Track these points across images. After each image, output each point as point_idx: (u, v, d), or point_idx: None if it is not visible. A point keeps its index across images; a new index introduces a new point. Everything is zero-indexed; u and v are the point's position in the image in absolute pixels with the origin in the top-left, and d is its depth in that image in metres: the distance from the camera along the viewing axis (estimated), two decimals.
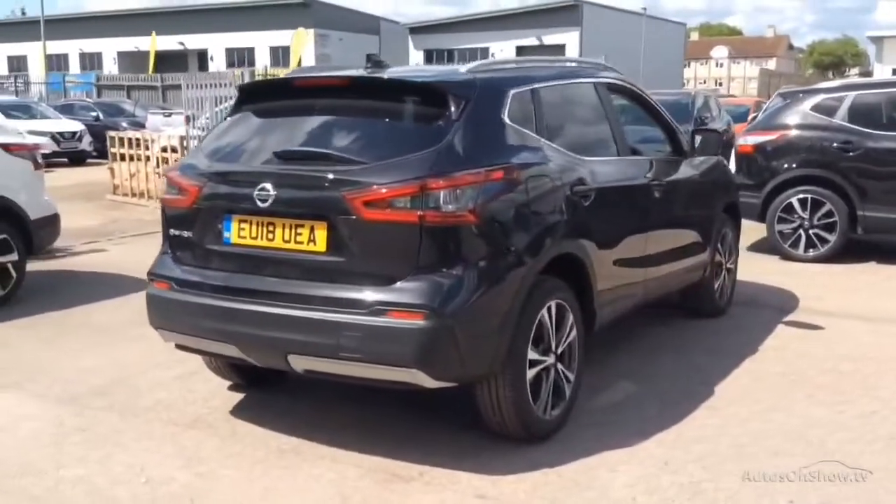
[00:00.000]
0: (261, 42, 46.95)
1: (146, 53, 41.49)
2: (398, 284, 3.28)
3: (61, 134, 19.54)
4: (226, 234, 3.62)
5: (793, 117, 8.22)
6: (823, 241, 7.92)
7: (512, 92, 3.81)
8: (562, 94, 4.33)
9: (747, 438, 3.82)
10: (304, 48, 32.94)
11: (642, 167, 4.73)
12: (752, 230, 8.62)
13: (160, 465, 3.56)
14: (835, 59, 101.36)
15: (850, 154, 7.77)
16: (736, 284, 6.27)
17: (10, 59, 55.97)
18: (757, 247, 8.64)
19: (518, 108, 3.84)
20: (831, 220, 7.86)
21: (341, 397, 4.23)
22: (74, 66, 53.62)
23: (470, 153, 3.46)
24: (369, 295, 3.29)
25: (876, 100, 7.97)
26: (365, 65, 3.99)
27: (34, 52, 45.38)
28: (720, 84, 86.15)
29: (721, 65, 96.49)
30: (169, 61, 45.08)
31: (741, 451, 3.68)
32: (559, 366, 3.84)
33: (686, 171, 5.28)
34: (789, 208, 8.04)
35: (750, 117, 14.83)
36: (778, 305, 6.29)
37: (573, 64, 4.78)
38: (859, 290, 6.88)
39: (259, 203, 3.46)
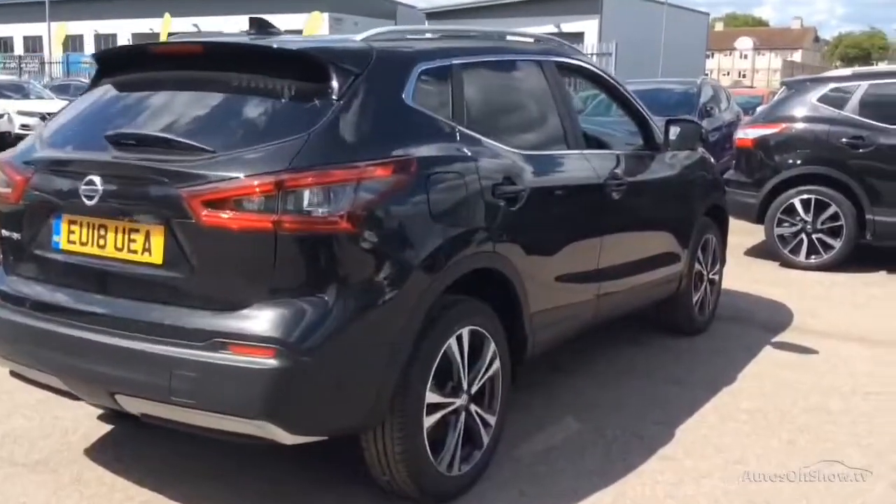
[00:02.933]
0: (277, 25, 46.23)
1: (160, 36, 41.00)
2: (244, 311, 2.58)
3: (50, 114, 18.90)
4: (55, 238, 2.92)
5: (798, 109, 7.41)
6: (827, 247, 7.13)
7: (420, 68, 3.09)
8: (492, 73, 3.60)
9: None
10: (318, 32, 32.32)
11: (600, 163, 3.97)
12: (753, 232, 7.86)
13: None
14: (861, 52, 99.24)
15: (861, 151, 6.96)
16: (721, 295, 5.53)
17: (25, 38, 55.83)
18: (755, 251, 7.87)
19: (428, 88, 3.12)
20: (837, 223, 7.06)
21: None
22: (90, 47, 53.32)
23: (352, 142, 2.75)
24: (207, 323, 2.59)
25: (891, 91, 7.16)
26: (248, 30, 3.29)
27: (52, 33, 45.23)
28: (744, 76, 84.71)
29: (745, 56, 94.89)
30: None
31: None
32: (474, 408, 3.13)
33: (658, 167, 4.53)
34: (791, 210, 7.26)
35: (759, 109, 13.99)
36: (767, 322, 5.53)
37: (514, 39, 4.02)
38: (863, 306, 6.10)
39: (85, 200, 2.77)
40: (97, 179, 2.75)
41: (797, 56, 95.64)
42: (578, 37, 45.03)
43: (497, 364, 3.24)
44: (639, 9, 49.09)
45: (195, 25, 49.95)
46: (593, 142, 4.37)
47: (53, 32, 40.56)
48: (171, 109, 2.95)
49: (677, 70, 34.65)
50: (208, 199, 2.56)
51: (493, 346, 3.20)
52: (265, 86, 2.87)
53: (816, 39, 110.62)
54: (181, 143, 2.71)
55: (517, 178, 3.31)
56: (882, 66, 15.31)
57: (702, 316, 5.21)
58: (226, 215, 2.55)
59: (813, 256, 7.20)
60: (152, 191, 2.69)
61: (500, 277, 3.23)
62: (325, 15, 39.54)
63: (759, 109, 8.79)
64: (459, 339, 3.02)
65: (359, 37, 3.10)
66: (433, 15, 50.91)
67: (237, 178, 2.56)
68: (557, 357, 4.30)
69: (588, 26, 46.12)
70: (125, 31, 52.58)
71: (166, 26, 38.60)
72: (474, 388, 3.13)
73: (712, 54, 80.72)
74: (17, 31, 55.89)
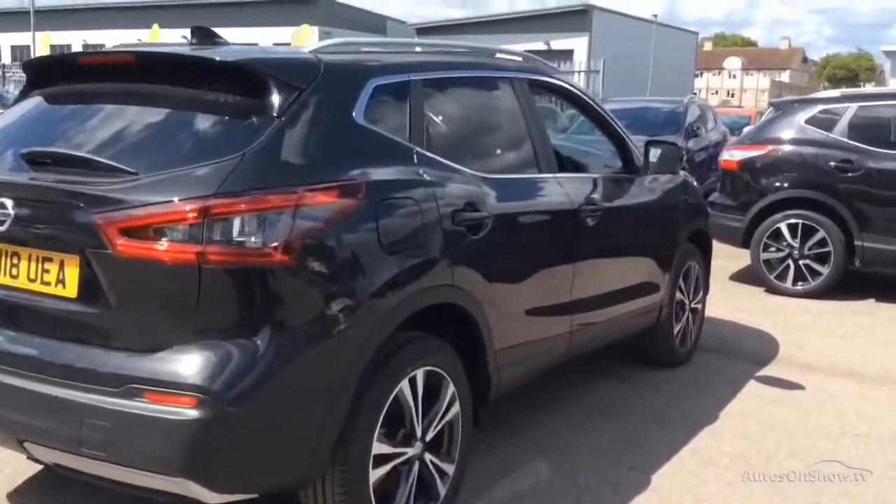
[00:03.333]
0: (266, 38, 46.02)
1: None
2: (164, 354, 2.30)
3: None
4: None
5: (785, 130, 7.20)
6: (815, 273, 6.89)
7: (374, 83, 2.83)
8: (456, 91, 3.34)
9: None
10: (306, 45, 31.98)
11: (574, 187, 3.72)
12: (738, 256, 7.64)
13: None
14: (849, 73, 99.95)
15: (850, 175, 6.74)
16: (705, 324, 5.28)
17: (13, 48, 55.43)
18: (740, 276, 7.64)
19: (382, 105, 2.87)
20: (825, 249, 6.83)
21: None
22: None
23: (292, 164, 2.49)
24: (122, 366, 2.31)
25: (881, 113, 6.94)
26: (190, 39, 3.03)
27: (37, 43, 44.84)
28: (732, 95, 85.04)
29: (734, 76, 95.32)
30: None
31: None
32: (429, 457, 2.86)
33: (637, 192, 4.28)
34: (777, 234, 7.03)
35: (746, 129, 13.83)
36: (752, 354, 5.28)
37: (482, 54, 3.76)
38: (851, 336, 5.86)
39: None
40: (8, 203, 2.47)
41: (785, 76, 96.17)
42: (568, 54, 44.97)
43: (456, 407, 2.97)
44: (628, 27, 49.19)
45: (184, 37, 49.62)
46: (568, 164, 4.14)
47: (38, 41, 40.22)
48: (97, 125, 2.67)
49: (666, 89, 34.64)
50: (125, 226, 2.29)
51: (451, 388, 2.93)
52: (200, 100, 2.60)
53: (804, 60, 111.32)
54: (101, 164, 2.43)
55: (481, 204, 3.05)
56: (871, 88, 15.17)
57: (683, 347, 4.96)
58: (144, 245, 2.28)
59: (800, 283, 6.96)
60: (67, 216, 2.41)
61: (461, 312, 2.97)
62: (315, 29, 39.38)
63: (745, 130, 8.57)
64: (413, 381, 2.75)
65: (307, 48, 2.84)
66: (423, 30, 50.80)
67: (158, 203, 2.29)
68: (528, 392, 4.03)
69: (577, 44, 46.11)
70: (113, 40, 52.21)
71: (154, 37, 38.35)
72: (430, 435, 2.85)
73: (701, 73, 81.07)
74: (4, 41, 55.51)
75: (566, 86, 4.03)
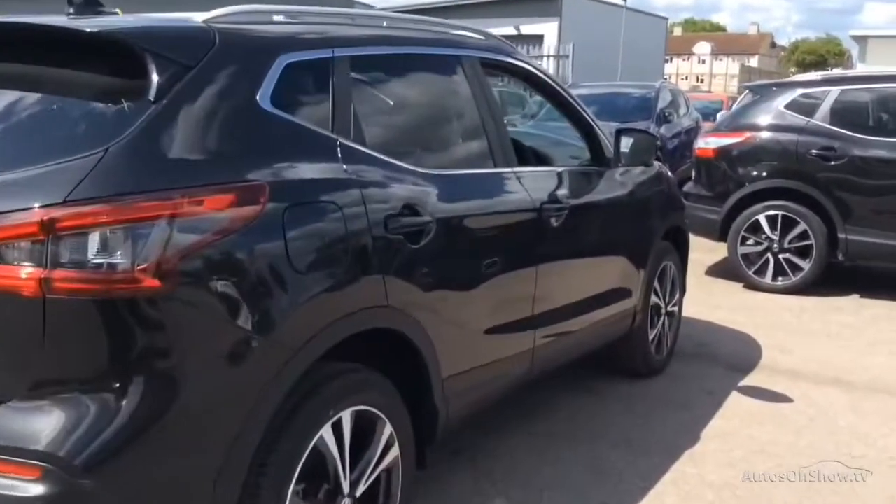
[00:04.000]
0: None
1: None
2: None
3: None
4: None
5: (763, 116, 6.77)
6: (796, 268, 6.49)
7: (285, 60, 2.31)
8: (394, 70, 2.83)
9: None
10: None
11: (535, 183, 3.23)
12: (714, 249, 7.22)
13: None
14: (817, 58, 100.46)
15: (832, 163, 6.33)
16: (681, 325, 4.84)
17: None
18: (717, 270, 7.22)
19: (297, 87, 2.36)
20: (806, 242, 6.43)
21: None
22: None
23: (171, 161, 1.97)
24: None
25: (864, 97, 6.53)
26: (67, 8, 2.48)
27: None
28: (702, 81, 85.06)
29: (703, 61, 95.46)
30: None
31: None
32: None
33: (606, 186, 3.81)
34: (756, 227, 6.61)
35: (719, 115, 13.45)
36: (732, 359, 4.85)
37: (428, 28, 3.16)
38: (836, 336, 5.45)
39: None
40: None
41: (754, 61, 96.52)
42: (538, 39, 44.55)
43: (395, 451, 2.48)
44: (599, 12, 48.74)
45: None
46: (530, 156, 3.66)
47: None
48: None
49: (636, 74, 34.29)
50: None
51: (388, 429, 2.45)
52: (62, 83, 2.09)
53: (773, 45, 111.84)
54: None
55: (422, 207, 2.55)
56: (855, 71, 14.77)
57: (659, 355, 4.51)
58: None
59: (780, 278, 6.55)
60: None
61: (399, 337, 2.47)
62: None
63: (719, 116, 8.15)
64: (337, 426, 2.25)
65: (201, 16, 2.31)
66: None
67: None
68: (485, 415, 3.55)
69: (548, 28, 45.57)
70: None
71: None
72: (361, 489, 2.36)
73: (671, 59, 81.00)
74: None
75: (526, 66, 3.52)
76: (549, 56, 21.22)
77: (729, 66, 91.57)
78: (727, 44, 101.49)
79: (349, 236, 2.26)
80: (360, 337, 2.32)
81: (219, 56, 2.14)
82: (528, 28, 46.22)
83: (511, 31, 46.39)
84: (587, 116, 3.79)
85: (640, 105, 11.12)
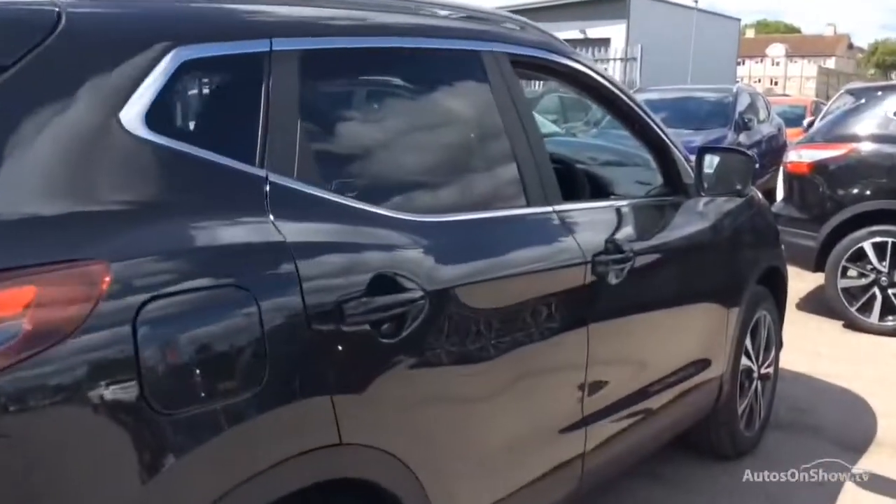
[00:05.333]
0: None
1: None
2: None
3: None
4: None
5: (868, 125, 5.72)
6: None
7: (180, 56, 1.48)
8: (370, 72, 1.98)
9: None
10: None
11: (587, 226, 2.35)
12: (805, 276, 6.17)
13: None
14: None
15: None
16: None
17: None
18: (811, 303, 6.16)
19: (199, 99, 1.55)
20: None
21: None
22: None
23: None
24: None
25: None
26: None
27: None
28: (776, 83, 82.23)
29: (777, 63, 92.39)
30: None
31: None
32: None
33: (686, 222, 2.90)
34: (860, 256, 5.55)
35: (806, 122, 12.23)
36: (841, 431, 3.88)
37: (432, 10, 2.21)
38: None
39: None
40: None
41: (830, 63, 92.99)
42: (605, 42, 43.34)
43: None
44: (668, 14, 47.27)
45: None
46: (582, 183, 2.77)
47: None
48: None
49: (707, 77, 32.90)
50: None
51: None
52: None
53: (850, 46, 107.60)
54: None
55: (409, 276, 1.69)
56: None
57: (749, 431, 3.56)
58: None
59: (890, 318, 5.49)
60: None
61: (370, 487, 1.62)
62: None
63: (816, 124, 7.10)
64: None
65: None
66: None
67: None
68: None
69: (615, 31, 44.28)
70: None
71: None
72: None
73: (743, 61, 78.55)
74: None
75: (577, 66, 2.60)
76: (616, 59, 20.13)
77: (804, 69, 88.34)
78: (802, 45, 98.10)
79: (265, 342, 1.41)
80: (302, 497, 1.47)
81: (58, 49, 1.33)
82: (595, 31, 45.01)
83: (577, 34, 45.39)
84: (660, 132, 2.87)
85: (715, 110, 10.06)
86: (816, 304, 6.09)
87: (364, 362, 1.58)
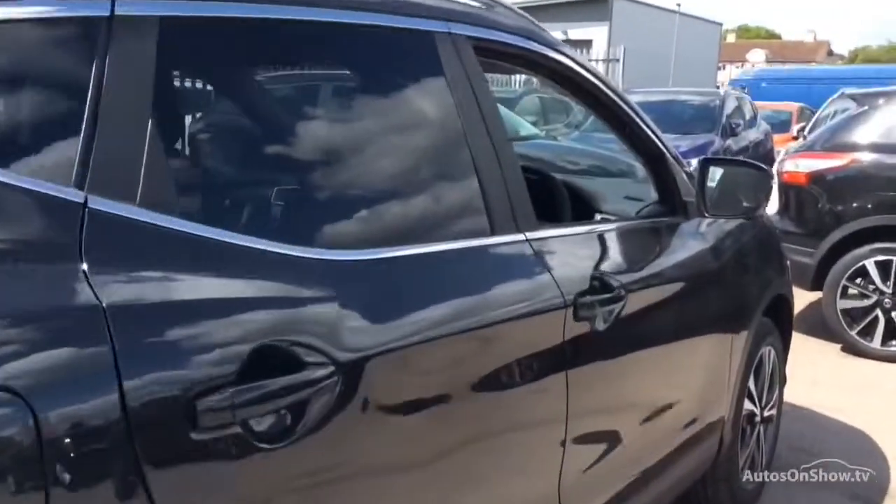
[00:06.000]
0: None
1: None
2: None
3: None
4: None
5: (869, 133, 5.30)
6: None
7: None
8: (268, 47, 1.46)
9: None
10: None
11: (567, 258, 1.86)
12: (801, 293, 5.72)
13: None
14: None
15: None
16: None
17: None
18: (807, 324, 5.72)
19: None
20: None
21: None
22: None
23: None
24: None
25: None
26: None
27: None
28: None
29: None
30: None
31: None
32: None
33: (684, 249, 2.42)
34: (861, 274, 5.13)
35: (796, 128, 11.86)
36: (846, 479, 3.41)
37: None
38: None
39: None
40: None
41: None
42: (587, 44, 43.06)
43: None
44: (650, 17, 47.04)
45: None
46: (561, 201, 2.27)
47: None
48: None
49: (688, 81, 32.68)
50: None
51: None
52: None
53: (830, 53, 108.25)
54: None
55: (313, 347, 1.18)
56: None
57: (750, 484, 3.09)
58: None
59: (893, 342, 5.07)
60: None
61: None
62: None
63: (816, 131, 6.66)
64: None
65: None
66: None
67: None
68: None
69: (597, 33, 43.96)
70: None
71: None
72: None
73: (724, 66, 78.72)
74: None
75: (557, 57, 2.11)
76: (598, 60, 19.73)
77: None
78: (782, 51, 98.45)
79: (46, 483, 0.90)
80: None
81: None
82: (577, 33, 44.65)
83: (559, 35, 45.13)
84: (655, 139, 2.39)
85: (702, 114, 9.65)
86: (812, 324, 5.65)
87: (228, 486, 1.06)
